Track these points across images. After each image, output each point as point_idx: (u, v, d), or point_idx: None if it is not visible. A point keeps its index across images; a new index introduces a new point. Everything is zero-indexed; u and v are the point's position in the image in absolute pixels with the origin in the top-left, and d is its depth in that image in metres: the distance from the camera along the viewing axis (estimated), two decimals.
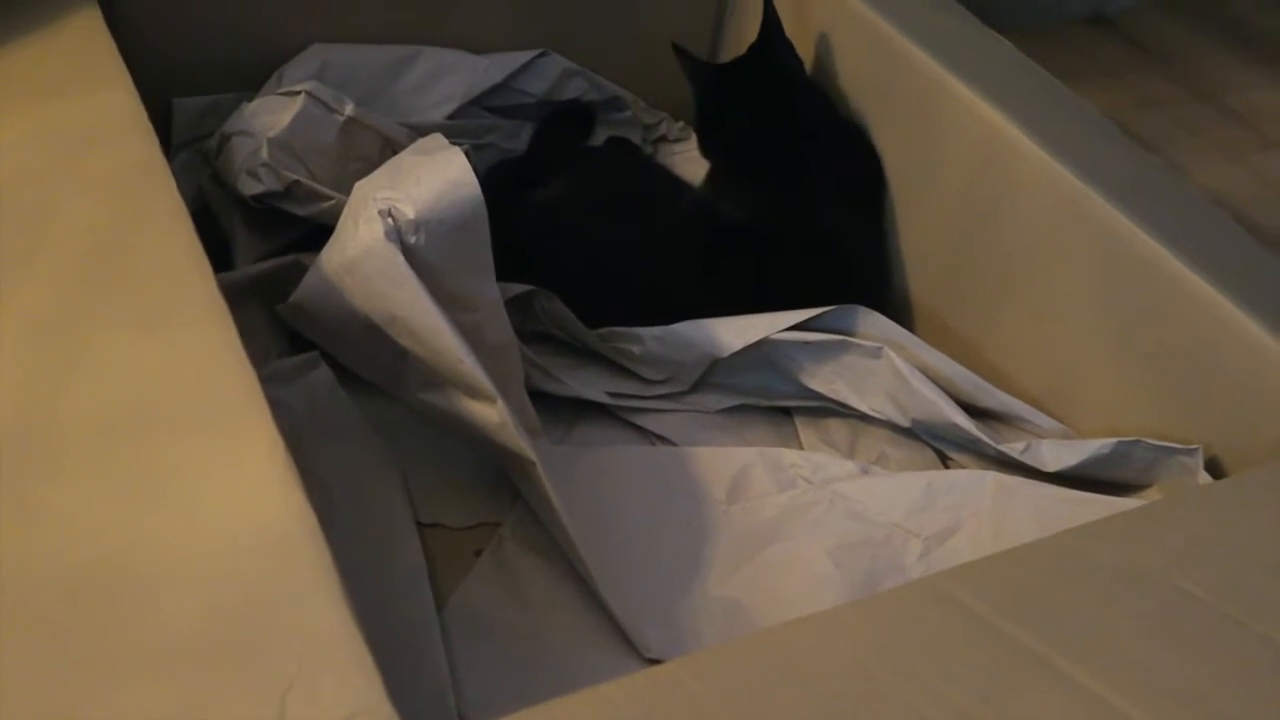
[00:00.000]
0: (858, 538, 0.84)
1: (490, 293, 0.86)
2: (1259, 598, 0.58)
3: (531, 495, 0.84)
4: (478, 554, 0.84)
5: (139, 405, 0.62)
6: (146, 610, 0.53)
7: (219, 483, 0.58)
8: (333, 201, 0.95)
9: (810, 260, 1.00)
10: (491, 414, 0.80)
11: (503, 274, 0.86)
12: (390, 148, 1.04)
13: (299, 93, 1.01)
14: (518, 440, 0.79)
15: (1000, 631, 0.56)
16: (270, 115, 1.01)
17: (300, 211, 0.97)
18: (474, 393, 0.80)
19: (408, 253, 0.79)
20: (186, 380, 0.63)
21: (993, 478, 0.87)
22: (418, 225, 0.79)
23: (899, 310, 1.05)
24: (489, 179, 0.87)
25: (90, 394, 0.63)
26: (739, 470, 0.90)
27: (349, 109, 1.03)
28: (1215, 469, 0.81)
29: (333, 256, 0.83)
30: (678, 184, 1.12)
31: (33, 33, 0.88)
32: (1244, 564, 0.61)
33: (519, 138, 1.18)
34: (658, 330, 0.95)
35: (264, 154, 0.97)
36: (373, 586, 0.78)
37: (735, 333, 0.94)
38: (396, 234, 0.79)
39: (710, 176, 1.12)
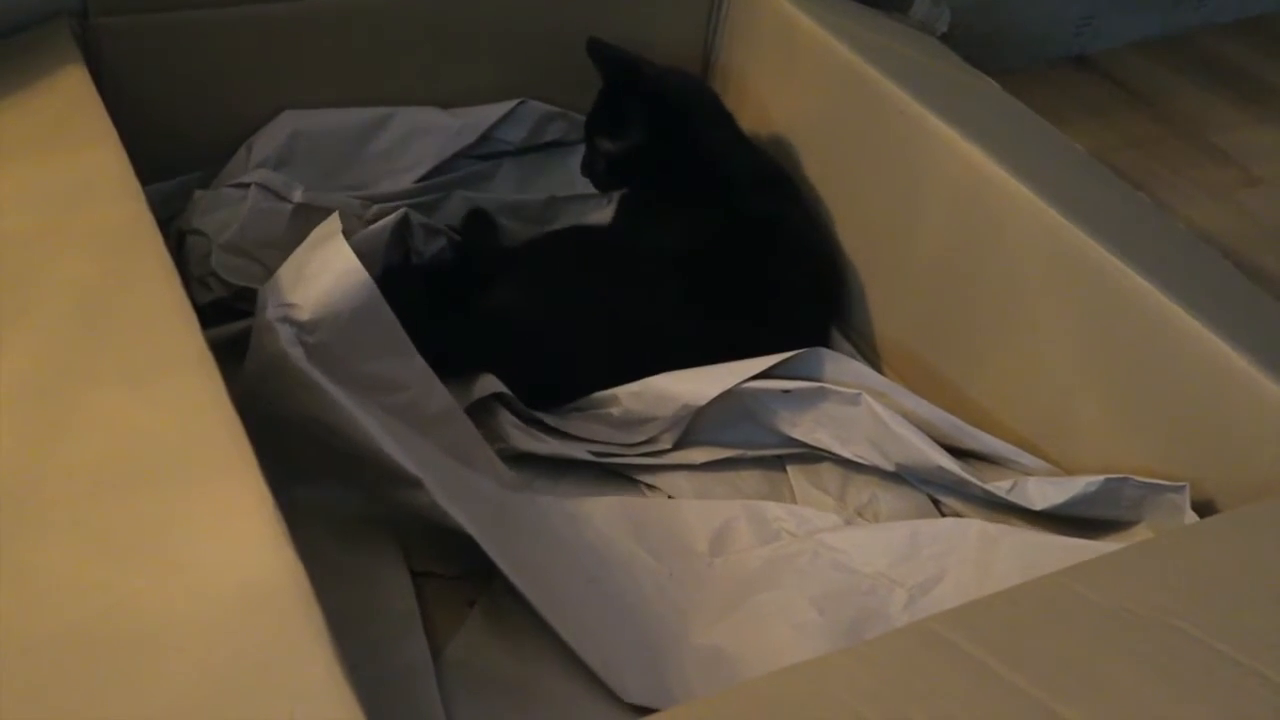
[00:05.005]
0: (842, 587, 0.84)
1: (416, 367, 0.86)
2: (1254, 635, 0.58)
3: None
4: (472, 604, 0.83)
5: (127, 461, 0.62)
6: (137, 672, 0.52)
7: (208, 539, 0.58)
8: None
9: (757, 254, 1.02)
10: (420, 497, 0.80)
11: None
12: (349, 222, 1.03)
13: (249, 185, 1.03)
14: (452, 518, 0.80)
15: (995, 674, 0.55)
16: (222, 212, 1.03)
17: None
18: (398, 478, 0.80)
19: (313, 353, 0.80)
20: (175, 435, 0.63)
21: (977, 526, 0.86)
22: (315, 325, 0.80)
23: (884, 354, 1.05)
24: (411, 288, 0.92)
25: (79, 450, 0.63)
26: (722, 524, 0.89)
27: (297, 195, 1.04)
28: (1208, 505, 0.81)
29: (250, 367, 0.83)
30: (601, 234, 1.12)
31: (21, 91, 0.89)
32: (1239, 601, 0.61)
33: (494, 179, 1.18)
34: (635, 386, 0.95)
35: (214, 261, 0.98)
36: (365, 633, 0.78)
37: (710, 381, 0.94)
38: (296, 338, 0.80)
39: (624, 210, 1.12)
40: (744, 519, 0.90)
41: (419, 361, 0.86)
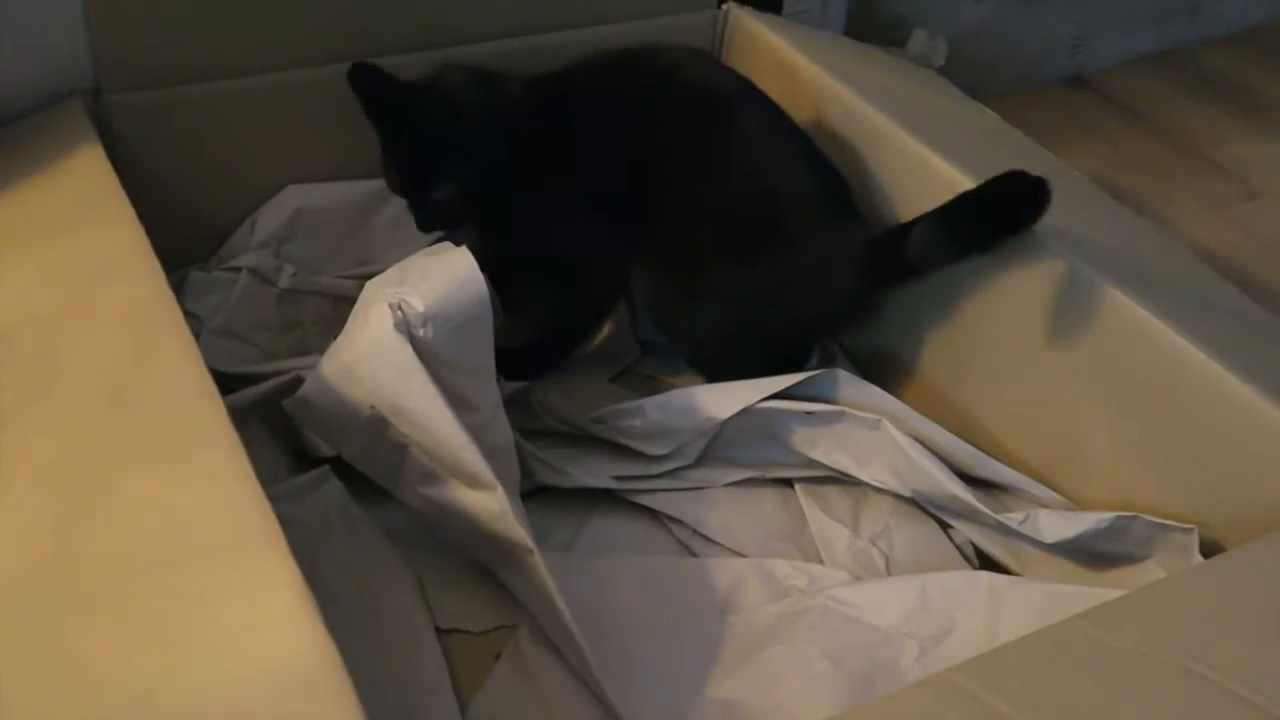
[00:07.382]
0: (854, 640, 0.84)
1: (492, 394, 0.88)
2: (1270, 676, 0.59)
3: (528, 594, 0.84)
4: (498, 658, 0.84)
5: (158, 543, 0.63)
6: None
7: (240, 619, 0.59)
8: (286, 376, 0.95)
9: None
10: (490, 502, 0.81)
11: None
12: (343, 303, 1.04)
13: (240, 269, 1.05)
14: (516, 528, 0.80)
15: None
16: (214, 295, 1.05)
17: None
18: (474, 482, 0.82)
19: (415, 345, 0.81)
20: (202, 515, 0.64)
21: (986, 578, 0.87)
22: (426, 319, 0.82)
23: (897, 381, 1.06)
24: None
25: (109, 533, 0.64)
26: (734, 582, 0.90)
27: (284, 280, 1.06)
28: (1217, 538, 0.81)
29: (340, 352, 0.85)
30: None
31: (38, 171, 0.90)
32: (1253, 641, 0.62)
33: None
34: (658, 399, 0.96)
35: (202, 346, 0.98)
36: (395, 696, 0.79)
37: (733, 396, 0.95)
38: (405, 326, 0.81)
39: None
40: (755, 577, 0.90)
41: (495, 390, 0.88)
